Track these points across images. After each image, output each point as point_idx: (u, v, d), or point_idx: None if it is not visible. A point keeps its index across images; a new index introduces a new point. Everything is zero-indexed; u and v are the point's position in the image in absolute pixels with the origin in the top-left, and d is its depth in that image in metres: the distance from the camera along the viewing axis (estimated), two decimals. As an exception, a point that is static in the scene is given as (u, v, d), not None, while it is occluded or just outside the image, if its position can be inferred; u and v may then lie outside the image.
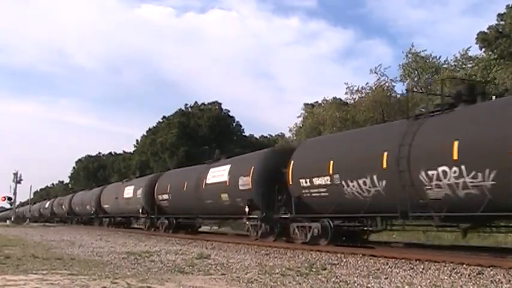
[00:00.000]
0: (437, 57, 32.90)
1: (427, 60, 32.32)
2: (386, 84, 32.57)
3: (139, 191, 28.26)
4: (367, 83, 33.62)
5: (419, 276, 8.48)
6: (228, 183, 18.80)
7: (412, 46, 32.90)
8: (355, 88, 33.17)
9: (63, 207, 50.30)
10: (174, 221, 24.89)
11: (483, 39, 30.75)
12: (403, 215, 11.60)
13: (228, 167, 19.49)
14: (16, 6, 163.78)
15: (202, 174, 21.32)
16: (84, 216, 43.39)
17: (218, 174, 19.93)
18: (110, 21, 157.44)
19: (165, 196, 25.15)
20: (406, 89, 30.22)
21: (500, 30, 30.51)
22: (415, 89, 32.84)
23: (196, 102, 57.30)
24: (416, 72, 32.42)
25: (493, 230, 13.21)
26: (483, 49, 31.21)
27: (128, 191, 30.43)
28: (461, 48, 31.81)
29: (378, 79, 32.41)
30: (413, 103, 31.40)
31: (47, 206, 61.51)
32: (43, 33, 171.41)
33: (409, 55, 32.43)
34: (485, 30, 30.94)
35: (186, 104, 57.01)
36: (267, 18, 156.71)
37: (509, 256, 10.47)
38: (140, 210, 27.64)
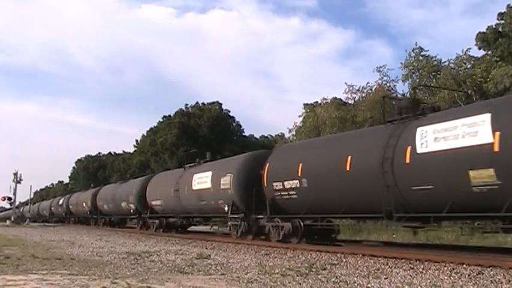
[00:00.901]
0: (439, 59, 32.86)
1: (430, 60, 32.23)
2: (388, 84, 32.62)
3: (225, 179, 18.59)
4: (368, 83, 33.67)
5: (419, 276, 8.47)
6: None
7: (416, 45, 32.85)
8: (356, 88, 33.23)
9: (85, 205, 40.49)
10: (301, 224, 15.25)
11: (482, 39, 30.81)
12: None
13: None
14: (17, 7, 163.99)
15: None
16: (117, 216, 33.90)
17: None
18: (111, 22, 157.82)
19: (294, 183, 14.98)
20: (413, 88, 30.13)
21: (500, 30, 30.57)
22: (416, 89, 32.84)
23: (197, 102, 57.46)
24: (418, 72, 32.38)
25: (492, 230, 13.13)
26: (482, 49, 31.29)
27: (202, 180, 20.64)
28: (461, 49, 31.78)
29: (381, 78, 32.45)
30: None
31: (60, 202, 50.95)
32: (44, 33, 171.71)
33: (412, 53, 32.35)
34: (484, 31, 31.02)
35: (187, 104, 57.10)
36: (267, 19, 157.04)
37: (509, 256, 10.46)
38: (227, 208, 18.32)
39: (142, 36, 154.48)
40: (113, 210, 33.81)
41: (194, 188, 21.16)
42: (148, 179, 28.59)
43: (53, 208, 55.25)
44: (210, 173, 20.21)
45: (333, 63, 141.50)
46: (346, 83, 34.19)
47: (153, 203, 26.29)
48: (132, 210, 29.20)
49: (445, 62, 31.81)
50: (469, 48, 31.39)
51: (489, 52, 30.79)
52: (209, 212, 21.08)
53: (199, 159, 23.68)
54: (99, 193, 37.81)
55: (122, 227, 33.58)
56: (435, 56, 32.40)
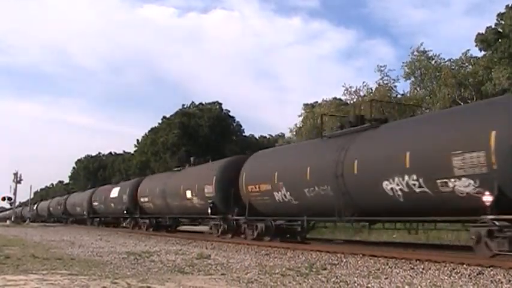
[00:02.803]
0: (441, 58, 32.75)
1: (432, 61, 32.09)
2: (389, 84, 32.57)
3: None
4: (364, 82, 33.67)
5: (419, 276, 8.47)
6: None
7: (421, 45, 32.74)
8: (353, 89, 33.22)
9: (192, 195, 21.51)
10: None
11: (482, 40, 30.76)
12: None
13: None
14: (18, 7, 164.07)
15: None
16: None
17: None
18: (112, 21, 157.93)
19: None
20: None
21: (500, 30, 30.53)
22: (417, 88, 32.84)
23: (193, 102, 57.57)
24: (419, 71, 32.30)
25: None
26: (482, 50, 31.23)
27: None
28: (462, 50, 31.80)
29: (382, 78, 32.40)
30: (414, 103, 31.51)
31: (115, 194, 32.84)
32: (45, 33, 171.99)
33: (415, 53, 32.24)
34: (484, 32, 30.96)
35: (184, 105, 57.14)
36: (269, 18, 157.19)
37: (509, 256, 10.45)
38: None
39: (144, 36, 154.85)
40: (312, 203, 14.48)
41: None
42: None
43: (95, 203, 37.51)
44: None
45: (335, 63, 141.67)
46: (343, 85, 34.04)
47: None
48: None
49: (446, 61, 31.78)
50: (468, 50, 31.40)
51: (490, 53, 30.72)
52: None
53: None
54: (246, 166, 18.16)
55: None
56: (438, 55, 32.27)
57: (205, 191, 20.22)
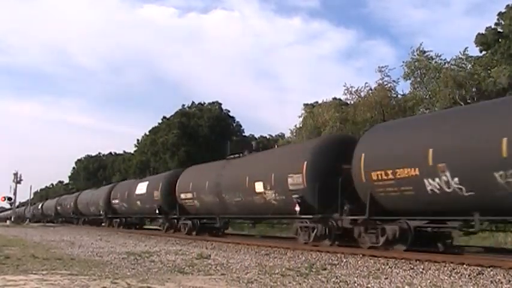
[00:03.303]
0: (440, 58, 32.72)
1: (433, 61, 32.04)
2: (389, 84, 32.53)
3: None
4: (366, 83, 33.61)
5: (419, 277, 8.48)
6: None
7: (421, 45, 32.71)
8: (354, 89, 33.19)
9: None
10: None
11: (482, 42, 30.73)
12: None
13: None
14: (18, 7, 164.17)
15: None
16: None
17: None
18: (112, 21, 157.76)
19: None
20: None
21: (500, 30, 30.51)
22: (418, 88, 32.80)
23: (193, 102, 57.59)
24: (419, 71, 32.27)
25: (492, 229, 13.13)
26: (483, 52, 31.20)
27: None
28: (461, 49, 31.70)
29: (382, 79, 32.35)
30: (414, 102, 31.56)
31: (144, 190, 27.12)
32: (45, 33, 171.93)
33: (416, 53, 32.20)
34: (484, 32, 30.94)
35: (183, 105, 57.16)
36: (269, 19, 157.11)
37: (509, 256, 10.46)
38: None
39: (144, 36, 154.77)
40: None
41: None
42: None
43: (115, 202, 31.77)
44: None
45: (335, 63, 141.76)
46: (344, 85, 34.01)
47: None
48: None
49: (445, 63, 31.74)
50: (467, 48, 31.33)
51: (489, 54, 30.70)
52: None
53: None
54: (365, 144, 13.70)
55: None
56: (440, 55, 32.21)
57: (288, 183, 15.33)
